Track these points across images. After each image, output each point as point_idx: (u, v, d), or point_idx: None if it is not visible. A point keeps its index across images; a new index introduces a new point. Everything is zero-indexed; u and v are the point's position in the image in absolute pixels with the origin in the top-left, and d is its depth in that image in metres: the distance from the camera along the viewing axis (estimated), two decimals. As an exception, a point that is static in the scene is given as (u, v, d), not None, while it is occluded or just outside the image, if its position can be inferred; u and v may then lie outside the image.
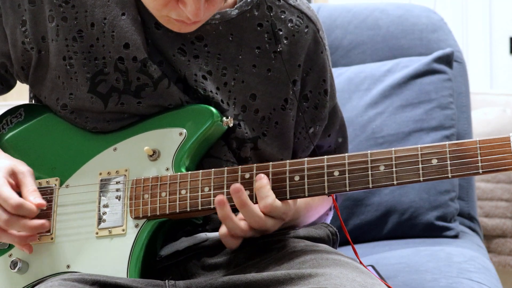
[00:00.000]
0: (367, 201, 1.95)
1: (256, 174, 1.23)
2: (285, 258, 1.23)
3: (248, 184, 1.23)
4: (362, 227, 1.95)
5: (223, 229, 1.24)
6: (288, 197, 1.22)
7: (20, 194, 1.25)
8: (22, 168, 1.29)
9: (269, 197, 1.21)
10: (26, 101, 1.45)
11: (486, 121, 2.60)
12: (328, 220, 1.48)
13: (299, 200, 1.31)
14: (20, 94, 1.59)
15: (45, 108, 1.37)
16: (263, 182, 1.21)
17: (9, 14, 1.34)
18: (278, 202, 1.22)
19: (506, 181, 2.54)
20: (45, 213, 1.29)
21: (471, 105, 2.15)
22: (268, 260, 1.25)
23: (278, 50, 1.34)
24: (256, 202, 1.22)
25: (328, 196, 1.27)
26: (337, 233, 1.39)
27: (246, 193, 1.21)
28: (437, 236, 1.93)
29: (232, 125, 1.31)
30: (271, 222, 1.23)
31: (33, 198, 1.25)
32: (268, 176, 1.23)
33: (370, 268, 1.54)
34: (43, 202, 1.25)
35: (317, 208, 1.42)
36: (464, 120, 2.09)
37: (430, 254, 1.79)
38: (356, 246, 1.37)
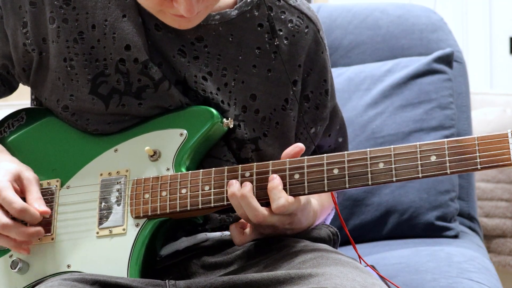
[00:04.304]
0: (367, 201, 1.95)
1: (256, 173, 1.23)
2: (285, 258, 1.23)
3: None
4: (362, 227, 1.95)
5: (232, 225, 1.25)
6: (288, 195, 1.22)
7: (24, 200, 1.26)
8: (29, 174, 1.29)
9: (281, 198, 1.20)
10: (27, 102, 1.45)
11: (486, 121, 2.60)
12: (329, 220, 1.48)
13: (314, 202, 1.32)
14: (20, 95, 1.58)
15: (47, 112, 1.38)
16: (275, 183, 1.21)
17: (10, 16, 1.34)
18: (291, 200, 1.21)
19: (506, 181, 2.55)
20: (46, 213, 1.30)
21: (471, 105, 2.15)
22: (268, 260, 1.25)
23: (275, 44, 1.34)
24: (264, 200, 1.22)
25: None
26: (338, 233, 1.39)
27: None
28: (437, 236, 1.93)
29: (232, 126, 1.32)
30: (276, 218, 1.22)
31: (37, 205, 1.25)
32: (267, 174, 1.23)
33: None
34: (47, 209, 1.26)
35: (328, 209, 1.43)
36: (464, 120, 2.09)
37: (430, 254, 1.78)
38: (356, 246, 1.38)
